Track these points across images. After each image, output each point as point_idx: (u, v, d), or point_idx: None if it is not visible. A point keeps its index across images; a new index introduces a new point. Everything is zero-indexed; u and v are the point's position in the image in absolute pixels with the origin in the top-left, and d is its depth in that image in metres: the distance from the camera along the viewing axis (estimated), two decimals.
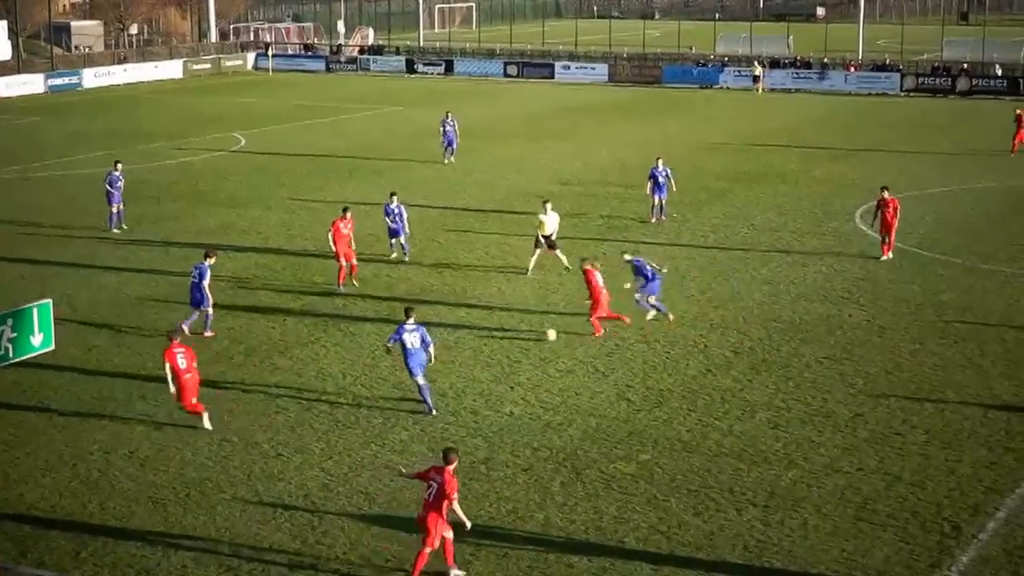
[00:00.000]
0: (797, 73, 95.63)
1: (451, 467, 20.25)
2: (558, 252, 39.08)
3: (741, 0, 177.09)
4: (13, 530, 21.66)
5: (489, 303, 36.33)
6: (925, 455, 25.30)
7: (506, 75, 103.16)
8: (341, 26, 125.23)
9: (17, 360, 13.47)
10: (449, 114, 61.16)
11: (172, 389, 26.39)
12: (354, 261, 37.94)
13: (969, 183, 54.62)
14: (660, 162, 45.70)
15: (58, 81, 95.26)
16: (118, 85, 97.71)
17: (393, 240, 40.84)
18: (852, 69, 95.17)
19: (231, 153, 64.49)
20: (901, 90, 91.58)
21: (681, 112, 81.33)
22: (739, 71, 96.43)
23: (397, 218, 40.40)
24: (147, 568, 20.74)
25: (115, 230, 44.61)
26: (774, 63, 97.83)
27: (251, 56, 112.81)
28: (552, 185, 52.90)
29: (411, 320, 27.77)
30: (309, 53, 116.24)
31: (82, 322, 33.90)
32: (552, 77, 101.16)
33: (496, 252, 42.18)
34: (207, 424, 26.57)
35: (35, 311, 13.51)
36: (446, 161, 59.62)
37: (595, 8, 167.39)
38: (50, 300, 13.86)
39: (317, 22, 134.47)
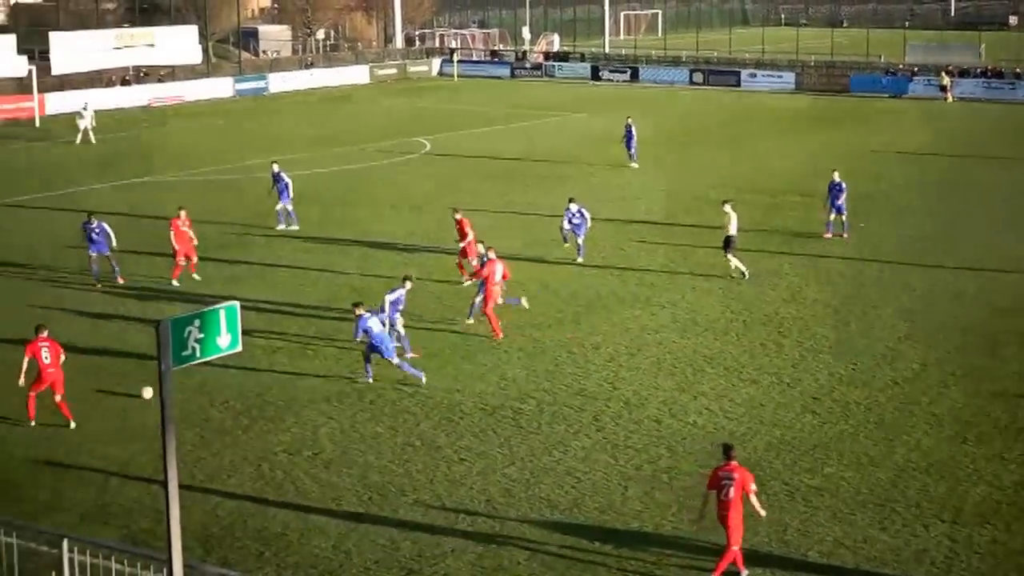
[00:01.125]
0: (988, 83, 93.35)
1: (735, 460, 20.42)
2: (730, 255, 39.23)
3: (931, 8, 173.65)
4: (198, 529, 22.03)
5: (673, 310, 36.12)
6: None
7: (691, 83, 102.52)
8: (526, 32, 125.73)
9: (203, 360, 13.59)
10: (629, 119, 61.29)
11: (21, 381, 27.16)
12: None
13: None
14: (836, 175, 44.75)
15: (245, 85, 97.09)
16: (304, 90, 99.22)
17: (569, 241, 41.22)
18: None
19: (416, 157, 65.08)
20: None
21: (868, 122, 79.91)
22: (928, 80, 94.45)
23: (577, 220, 40.95)
24: (330, 570, 20.96)
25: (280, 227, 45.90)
26: (963, 72, 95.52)
27: (436, 62, 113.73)
28: (735, 193, 52.43)
29: (360, 309, 29.44)
30: (494, 59, 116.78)
31: (266, 326, 34.51)
32: (738, 85, 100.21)
33: (678, 258, 41.90)
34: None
35: (222, 312, 13.65)
36: (633, 165, 59.68)
37: (782, 16, 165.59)
38: (237, 302, 13.98)
39: (502, 28, 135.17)
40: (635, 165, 59.84)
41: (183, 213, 39.47)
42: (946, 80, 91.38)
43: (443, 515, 22.89)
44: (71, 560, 16.23)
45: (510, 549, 21.55)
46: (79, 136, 69.92)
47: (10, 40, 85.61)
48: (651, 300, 37.24)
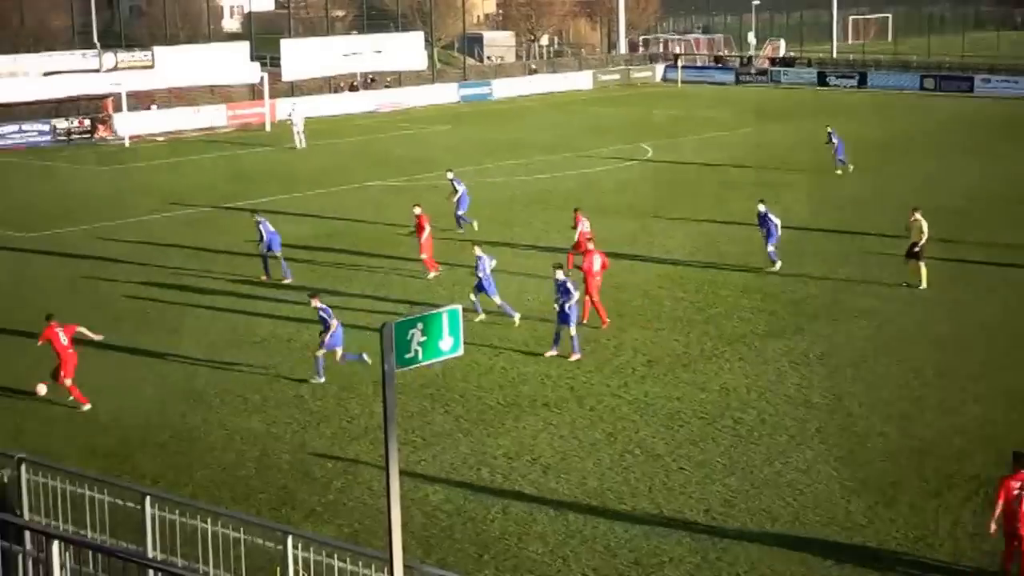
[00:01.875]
0: None
1: None
2: (921, 264, 38.65)
3: None
4: (419, 530, 22.32)
5: (900, 322, 35.46)
6: None
7: (922, 88, 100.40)
8: (752, 38, 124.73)
9: (425, 363, 13.74)
10: (829, 127, 60.96)
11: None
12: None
13: None
14: None
15: (469, 91, 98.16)
16: (527, 95, 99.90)
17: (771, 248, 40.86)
18: None
19: (637, 164, 65.05)
20: None
21: None
22: None
23: (768, 224, 40.59)
24: (546, 574, 21.07)
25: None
26: None
27: (660, 68, 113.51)
28: (957, 201, 51.32)
29: (316, 302, 30.73)
30: (718, 65, 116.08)
31: (488, 330, 34.78)
32: (971, 91, 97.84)
33: (873, 266, 41.01)
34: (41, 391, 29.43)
35: (444, 316, 13.78)
36: (845, 169, 59.09)
37: (1018, 19, 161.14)
38: (459, 306, 14.13)
39: (727, 34, 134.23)
40: (841, 171, 59.24)
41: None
42: None
43: (662, 523, 22.81)
44: (295, 556, 16.58)
45: (729, 561, 21.38)
46: (299, 141, 71.51)
47: (243, 47, 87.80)
48: (877, 312, 36.60)
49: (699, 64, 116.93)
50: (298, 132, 72.25)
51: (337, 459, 26.04)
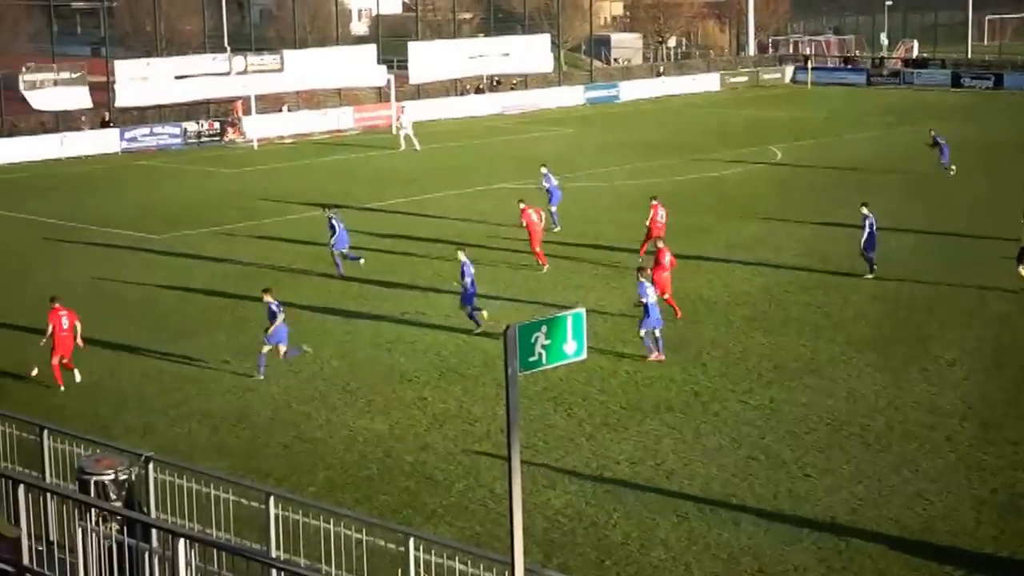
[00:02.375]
0: None
1: None
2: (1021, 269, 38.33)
3: None
4: (541, 534, 22.33)
5: (1007, 324, 34.93)
6: None
7: None
8: (884, 39, 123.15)
9: (548, 367, 13.74)
10: (932, 131, 60.79)
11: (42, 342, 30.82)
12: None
13: None
14: None
15: (596, 93, 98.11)
16: (654, 97, 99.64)
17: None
18: None
19: (765, 166, 64.59)
20: None
21: None
22: None
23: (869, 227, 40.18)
24: None
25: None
26: None
27: (789, 69, 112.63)
28: None
29: (268, 297, 31.75)
30: (849, 66, 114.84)
31: (611, 333, 34.76)
32: None
33: (1004, 271, 40.25)
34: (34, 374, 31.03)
35: (569, 319, 13.75)
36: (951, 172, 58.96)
37: None
38: (583, 309, 14.11)
39: (859, 34, 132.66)
40: (952, 173, 58.85)
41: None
42: None
43: (786, 531, 22.61)
44: (416, 558, 16.68)
45: (855, 571, 21.12)
46: (416, 143, 72.07)
47: (371, 50, 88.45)
48: (1009, 317, 35.99)
49: (830, 65, 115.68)
50: (406, 135, 73.00)
51: (459, 461, 26.17)
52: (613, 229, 47.69)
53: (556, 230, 46.80)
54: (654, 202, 42.90)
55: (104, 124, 74.72)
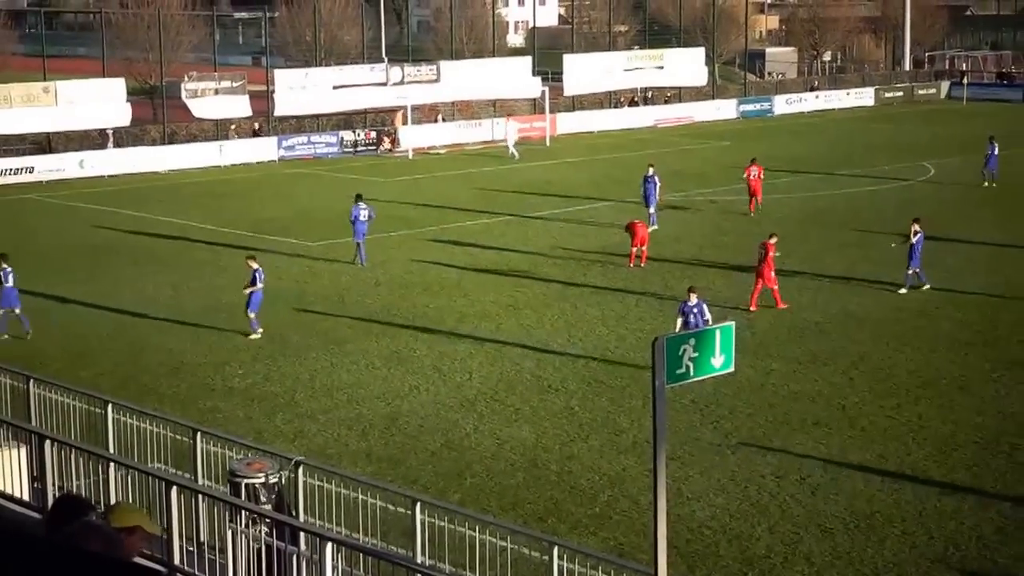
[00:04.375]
0: None
1: None
2: None
3: None
4: (684, 546, 22.20)
5: None
6: None
7: None
8: None
9: (697, 380, 13.68)
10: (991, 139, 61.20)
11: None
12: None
13: None
14: None
15: (750, 107, 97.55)
16: (808, 112, 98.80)
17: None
18: None
19: (918, 183, 63.63)
20: None
21: None
22: None
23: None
24: None
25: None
26: None
27: (944, 85, 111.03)
28: None
29: (253, 263, 35.38)
30: (1004, 82, 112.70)
31: (758, 347, 34.48)
32: None
33: None
34: None
35: (718, 333, 13.68)
36: (985, 184, 60.18)
37: None
38: (733, 323, 14.01)
39: (1016, 51, 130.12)
40: (987, 183, 60.39)
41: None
42: None
43: (931, 549, 22.22)
44: (560, 567, 16.66)
45: None
46: (512, 153, 73.95)
47: (526, 62, 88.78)
48: None
49: (986, 81, 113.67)
50: (510, 146, 74.71)
51: (604, 472, 26.12)
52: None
53: (654, 228, 47.74)
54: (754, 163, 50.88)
55: (255, 133, 75.82)
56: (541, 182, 65.42)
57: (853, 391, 31.07)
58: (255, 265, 36.13)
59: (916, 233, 40.12)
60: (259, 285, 35.88)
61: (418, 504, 18.15)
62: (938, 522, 23.42)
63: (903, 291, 39.88)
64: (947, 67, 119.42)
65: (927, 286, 40.26)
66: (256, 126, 76.41)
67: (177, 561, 15.91)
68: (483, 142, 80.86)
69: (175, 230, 52.60)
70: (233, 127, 76.11)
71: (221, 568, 16.14)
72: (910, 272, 40.17)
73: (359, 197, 46.34)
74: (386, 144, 78.69)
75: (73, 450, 18.20)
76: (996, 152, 60.82)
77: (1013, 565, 21.58)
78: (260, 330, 35.99)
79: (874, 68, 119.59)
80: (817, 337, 35.60)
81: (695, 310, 31.37)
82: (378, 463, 26.43)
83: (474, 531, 17.66)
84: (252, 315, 35.96)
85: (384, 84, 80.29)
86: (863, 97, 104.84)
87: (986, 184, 60.47)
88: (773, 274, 38.56)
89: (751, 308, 38.14)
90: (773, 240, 39.14)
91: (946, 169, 67.20)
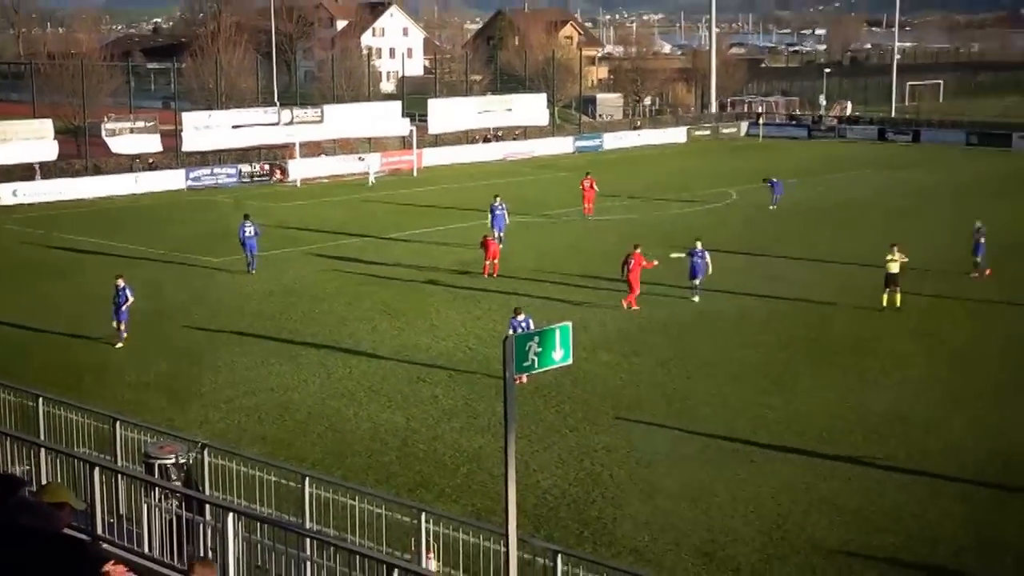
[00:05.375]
0: None
1: None
2: (897, 290, 38.71)
3: None
4: (531, 509, 22.29)
5: None
6: None
7: (967, 144, 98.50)
8: (822, 100, 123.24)
9: (541, 371, 13.79)
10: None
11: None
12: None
13: None
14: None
15: (584, 143, 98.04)
16: (632, 147, 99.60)
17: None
18: None
19: (720, 206, 64.53)
20: None
21: None
22: None
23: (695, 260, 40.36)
24: (636, 548, 20.99)
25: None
26: None
27: (744, 124, 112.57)
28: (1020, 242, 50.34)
29: (121, 281, 34.06)
30: (793, 122, 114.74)
31: (597, 339, 34.75)
32: (1009, 146, 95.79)
33: None
34: None
35: (557, 331, 13.83)
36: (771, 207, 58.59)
37: None
38: (570, 323, 14.14)
39: (803, 96, 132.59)
40: (774, 207, 59.11)
41: None
42: None
43: (729, 506, 22.50)
44: (427, 529, 16.64)
45: None
46: (371, 180, 75.22)
47: (397, 105, 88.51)
48: None
49: (778, 122, 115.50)
50: (371, 174, 76.02)
51: (464, 449, 26.15)
52: (594, 261, 47.71)
53: (502, 246, 47.09)
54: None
55: (149, 167, 74.64)
56: (410, 206, 65.25)
57: (669, 378, 31.44)
58: (122, 284, 34.77)
59: (693, 250, 40.35)
60: (131, 300, 34.60)
61: (307, 479, 18.03)
62: (748, 484, 23.81)
63: (696, 299, 40.11)
64: (746, 110, 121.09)
65: (696, 298, 39.97)
66: (150, 160, 75.34)
67: (100, 532, 15.64)
68: (361, 173, 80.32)
69: (93, 247, 51.58)
70: (151, 160, 74.91)
71: (138, 537, 15.87)
72: (696, 283, 40.27)
73: (246, 216, 46.62)
74: (277, 175, 77.93)
75: (8, 438, 17.83)
76: (779, 182, 62.49)
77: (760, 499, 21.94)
78: (125, 338, 34.70)
79: (686, 111, 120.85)
80: (638, 336, 35.97)
81: (523, 325, 30.41)
82: (272, 445, 26.15)
83: (354, 501, 17.58)
84: (120, 324, 34.75)
85: (276, 124, 79.56)
86: (677, 135, 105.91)
87: (772, 207, 61.34)
88: (638, 279, 38.88)
89: (633, 307, 38.54)
90: (638, 250, 39.41)
91: (745, 194, 68.19)
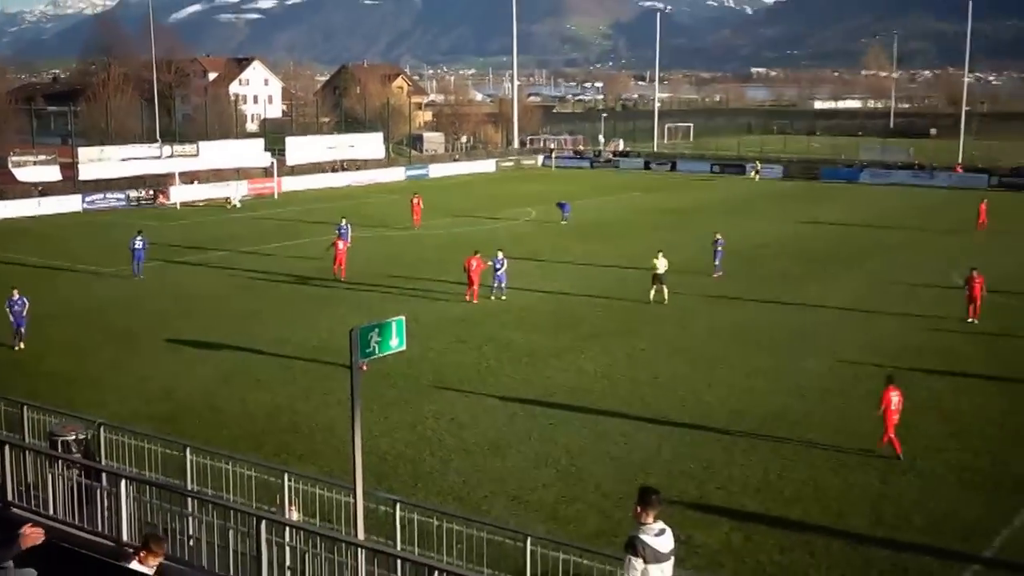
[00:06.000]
0: (915, 174, 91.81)
1: None
2: (663, 287, 39.14)
3: (878, 122, 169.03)
4: (374, 467, 22.08)
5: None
6: None
7: (711, 172, 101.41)
8: (601, 138, 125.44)
9: (380, 356, 13.77)
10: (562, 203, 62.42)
11: None
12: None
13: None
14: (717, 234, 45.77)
15: (413, 172, 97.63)
16: (452, 175, 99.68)
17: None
18: (959, 170, 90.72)
19: (520, 222, 65.05)
20: (988, 186, 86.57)
21: (832, 200, 78.71)
22: (873, 171, 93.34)
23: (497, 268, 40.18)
24: (460, 496, 20.96)
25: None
26: (902, 166, 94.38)
27: (540, 157, 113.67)
28: (750, 248, 51.82)
29: (16, 293, 32.38)
30: (578, 156, 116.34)
31: (425, 334, 34.63)
32: (744, 173, 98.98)
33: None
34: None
35: (394, 324, 13.83)
36: (564, 222, 59.54)
37: (774, 127, 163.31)
38: (404, 316, 14.10)
39: (585, 135, 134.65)
40: (565, 221, 59.78)
41: None
42: (758, 166, 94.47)
43: (533, 454, 22.63)
44: (290, 487, 16.37)
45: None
46: (235, 203, 73.84)
47: (260, 142, 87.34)
48: None
49: (566, 155, 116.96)
50: (234, 198, 74.76)
51: (319, 420, 25.78)
52: (419, 266, 47.52)
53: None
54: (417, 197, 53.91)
55: (43, 193, 71.62)
56: (271, 224, 64.10)
57: (483, 358, 31.52)
58: (16, 295, 32.84)
59: (495, 259, 40.38)
60: (27, 306, 32.78)
61: (188, 449, 17.60)
62: (546, 440, 23.99)
63: (504, 298, 40.19)
64: (542, 146, 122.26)
65: (503, 296, 39.86)
66: (66, 187, 72.45)
67: (10, 498, 14.98)
68: (230, 197, 78.62)
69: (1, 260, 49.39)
70: (40, 188, 72.06)
71: (44, 502, 15.24)
72: (496, 286, 40.09)
73: (139, 231, 45.70)
74: (160, 199, 75.72)
75: None
76: (568, 203, 62.86)
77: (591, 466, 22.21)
78: (23, 345, 32.65)
79: (495, 147, 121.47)
80: (459, 325, 36.00)
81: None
82: (160, 422, 25.31)
83: (229, 465, 17.21)
84: (20, 328, 32.84)
85: (159, 157, 77.52)
86: (488, 166, 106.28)
87: (563, 223, 61.94)
88: (478, 276, 39.07)
89: (474, 301, 38.63)
90: (477, 255, 39.52)
91: (542, 212, 68.85)
